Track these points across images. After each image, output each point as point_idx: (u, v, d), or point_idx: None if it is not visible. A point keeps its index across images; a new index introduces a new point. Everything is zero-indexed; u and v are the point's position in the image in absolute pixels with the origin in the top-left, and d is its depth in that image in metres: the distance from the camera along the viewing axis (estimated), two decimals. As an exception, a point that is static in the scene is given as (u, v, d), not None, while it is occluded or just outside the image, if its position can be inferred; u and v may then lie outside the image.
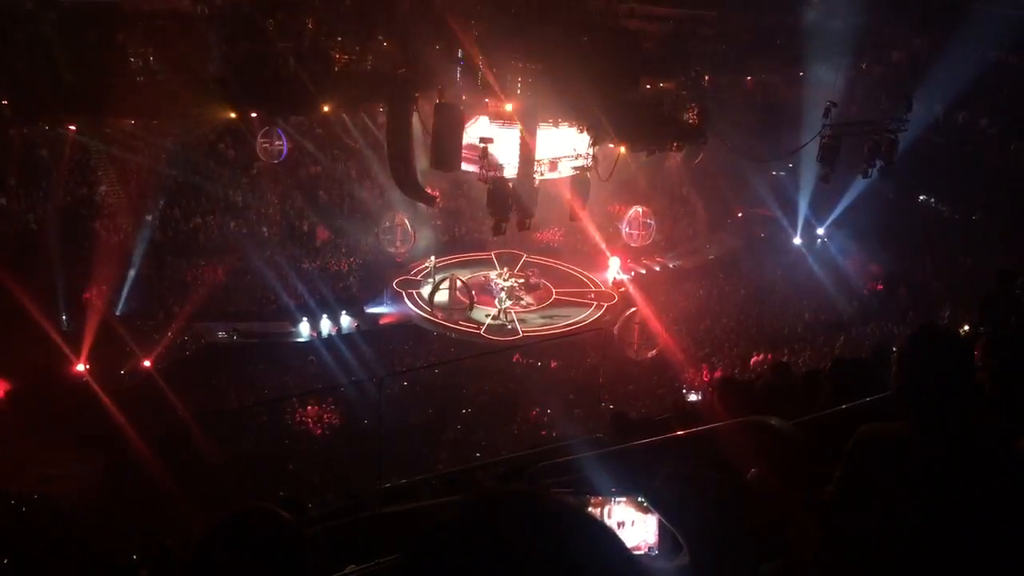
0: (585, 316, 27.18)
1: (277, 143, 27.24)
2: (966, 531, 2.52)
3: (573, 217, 25.03)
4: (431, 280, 27.95)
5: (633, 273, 30.01)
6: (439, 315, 26.51)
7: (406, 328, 26.21)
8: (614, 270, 29.50)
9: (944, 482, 2.58)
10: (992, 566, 2.52)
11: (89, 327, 22.85)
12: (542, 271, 29.67)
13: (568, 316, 27.15)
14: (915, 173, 28.92)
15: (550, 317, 27.01)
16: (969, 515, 2.52)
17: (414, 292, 27.78)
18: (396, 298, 27.38)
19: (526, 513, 1.24)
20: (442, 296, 27.22)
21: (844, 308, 27.25)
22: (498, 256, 29.31)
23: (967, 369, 2.72)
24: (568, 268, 30.07)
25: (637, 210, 29.68)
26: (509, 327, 26.15)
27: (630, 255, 30.28)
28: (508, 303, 26.58)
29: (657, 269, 30.52)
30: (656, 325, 24.50)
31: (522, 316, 26.94)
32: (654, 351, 23.78)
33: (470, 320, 26.50)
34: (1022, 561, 2.50)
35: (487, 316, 26.50)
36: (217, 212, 28.83)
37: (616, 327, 25.00)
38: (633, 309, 25.68)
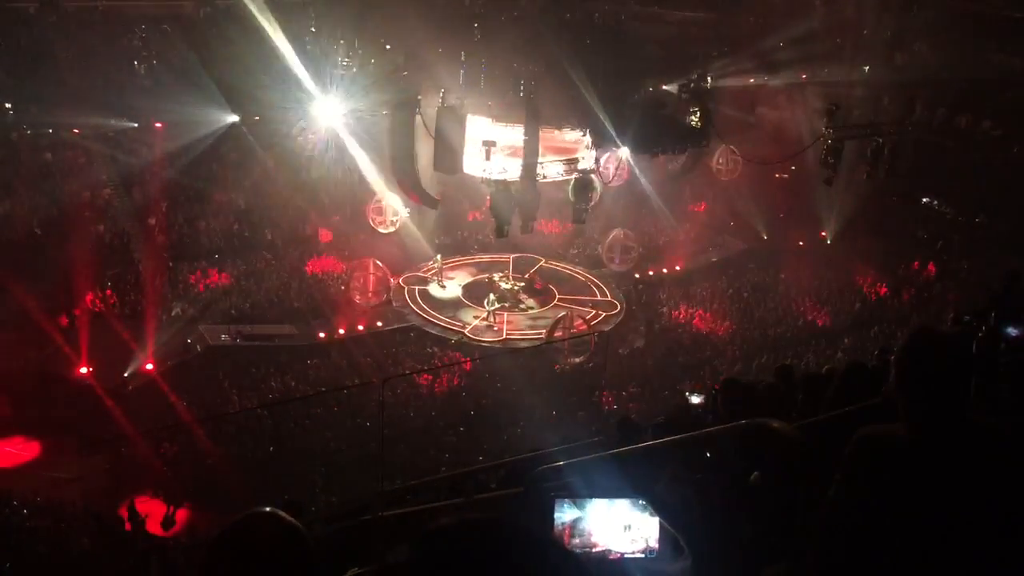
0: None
1: (311, 135, 27.54)
2: (965, 533, 2.51)
3: (576, 219, 25.02)
4: (436, 279, 28.26)
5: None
6: (431, 312, 26.75)
7: (409, 331, 26.24)
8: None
9: (942, 484, 2.58)
10: (992, 567, 2.51)
11: (93, 330, 22.89)
12: (555, 277, 29.69)
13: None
14: (919, 175, 28.91)
15: (535, 319, 26.93)
16: (968, 516, 2.52)
17: (416, 289, 28.05)
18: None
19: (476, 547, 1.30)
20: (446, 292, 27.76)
21: (848, 310, 27.21)
22: (516, 260, 29.46)
23: (965, 371, 2.72)
24: (582, 275, 30.04)
25: (618, 232, 29.20)
26: (495, 329, 26.19)
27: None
28: (496, 305, 26.62)
29: (664, 271, 30.44)
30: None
31: (511, 319, 26.95)
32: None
33: (457, 319, 26.59)
34: (1020, 561, 2.50)
35: (475, 317, 26.57)
36: (220, 215, 28.86)
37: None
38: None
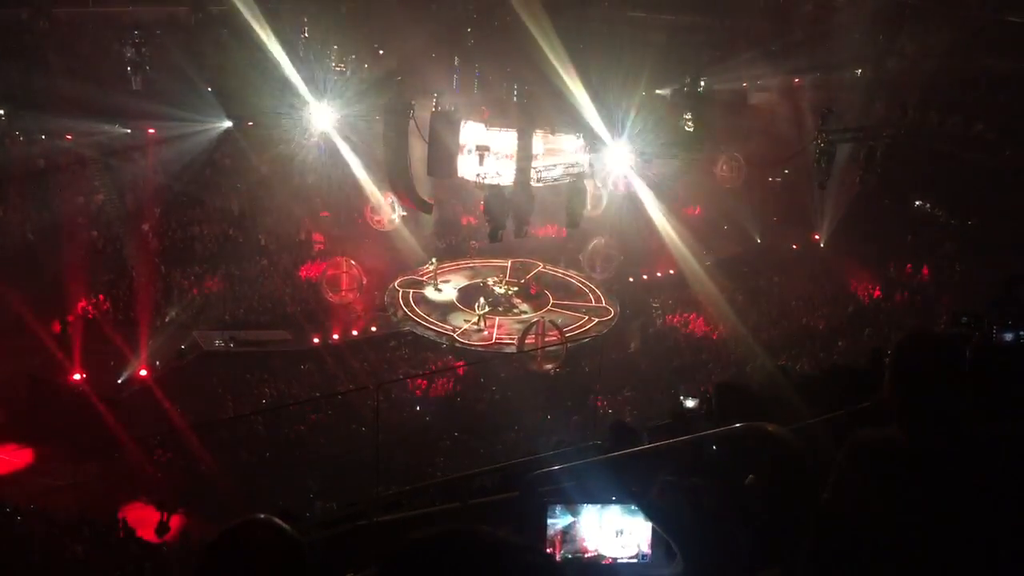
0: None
1: (314, 140, 27.58)
2: (960, 537, 2.51)
3: (571, 224, 25.02)
4: (432, 282, 28.24)
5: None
6: (422, 316, 26.79)
7: (403, 335, 26.20)
8: None
9: (937, 488, 2.57)
10: (988, 571, 2.51)
11: (86, 336, 22.79)
12: (552, 282, 29.67)
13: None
14: (911, 178, 28.96)
15: (524, 323, 26.95)
16: (963, 520, 2.52)
17: (410, 293, 28.09)
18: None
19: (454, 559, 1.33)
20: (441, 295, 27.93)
21: (842, 313, 27.24)
22: (514, 264, 29.38)
23: (958, 374, 2.72)
24: (580, 281, 29.99)
25: (599, 240, 28.89)
26: (485, 332, 26.19)
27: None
28: (487, 309, 26.62)
29: (659, 275, 30.39)
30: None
31: (501, 323, 26.96)
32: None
33: (448, 322, 26.59)
34: (1016, 565, 2.49)
35: (465, 320, 26.59)
36: (214, 221, 28.80)
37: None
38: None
